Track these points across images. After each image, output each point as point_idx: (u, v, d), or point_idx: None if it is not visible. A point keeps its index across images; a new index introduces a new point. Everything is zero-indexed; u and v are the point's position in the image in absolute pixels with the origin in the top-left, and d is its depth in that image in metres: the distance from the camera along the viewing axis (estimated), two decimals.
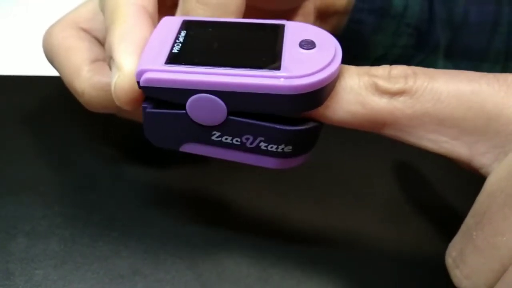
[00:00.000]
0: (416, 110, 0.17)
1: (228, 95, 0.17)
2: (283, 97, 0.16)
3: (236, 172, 0.29)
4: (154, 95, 0.18)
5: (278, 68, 0.16)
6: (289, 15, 0.31)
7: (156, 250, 0.24)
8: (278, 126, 0.17)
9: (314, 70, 0.16)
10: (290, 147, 0.18)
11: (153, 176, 0.28)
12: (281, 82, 0.16)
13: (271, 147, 0.18)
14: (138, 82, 0.17)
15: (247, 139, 0.18)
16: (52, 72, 0.35)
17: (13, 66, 0.35)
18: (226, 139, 0.18)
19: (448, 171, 0.31)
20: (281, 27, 0.19)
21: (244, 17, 0.22)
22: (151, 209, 0.26)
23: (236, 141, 0.18)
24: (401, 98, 0.17)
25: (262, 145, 0.18)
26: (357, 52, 0.35)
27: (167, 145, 0.19)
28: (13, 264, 0.22)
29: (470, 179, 0.30)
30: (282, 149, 0.18)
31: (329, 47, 0.17)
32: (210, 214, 0.26)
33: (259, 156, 0.18)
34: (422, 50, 0.35)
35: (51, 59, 0.25)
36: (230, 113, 0.17)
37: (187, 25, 0.19)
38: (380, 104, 0.17)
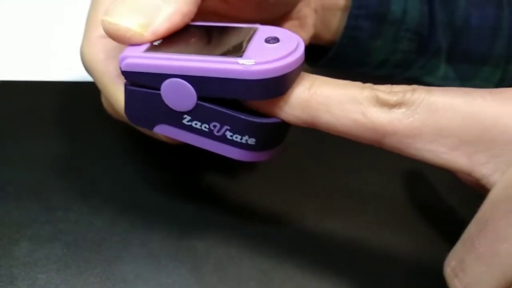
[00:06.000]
0: (414, 120, 0.17)
1: (196, 80, 0.18)
2: (242, 82, 0.18)
3: (237, 177, 0.29)
4: (134, 80, 0.19)
5: (240, 56, 0.18)
6: (283, 21, 0.31)
7: (158, 254, 0.24)
8: (242, 116, 0.19)
9: (271, 59, 0.18)
10: (254, 140, 0.19)
11: (155, 181, 0.28)
12: (240, 67, 0.17)
13: (236, 137, 0.19)
14: (121, 68, 0.19)
15: (215, 126, 0.19)
16: (54, 77, 0.35)
17: (15, 71, 0.36)
18: (196, 124, 0.19)
19: (451, 176, 0.31)
20: (254, 28, 0.20)
21: None
22: (153, 214, 0.26)
23: (205, 127, 0.19)
24: (400, 110, 0.18)
25: (228, 134, 0.19)
26: (356, 58, 0.35)
27: (143, 125, 0.21)
28: (16, 269, 0.23)
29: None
30: (246, 140, 0.19)
31: (291, 42, 0.19)
32: (212, 218, 0.26)
33: (225, 145, 0.20)
34: (424, 55, 0.35)
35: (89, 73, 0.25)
36: (199, 98, 0.19)
37: None
38: (380, 114, 0.18)
